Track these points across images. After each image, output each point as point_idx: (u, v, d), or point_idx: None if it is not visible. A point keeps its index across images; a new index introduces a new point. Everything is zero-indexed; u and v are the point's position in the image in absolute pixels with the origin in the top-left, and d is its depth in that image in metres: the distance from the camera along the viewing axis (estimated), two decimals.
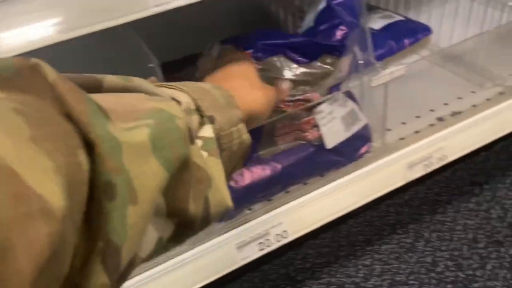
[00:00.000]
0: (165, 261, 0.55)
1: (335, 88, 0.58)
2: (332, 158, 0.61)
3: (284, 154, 0.57)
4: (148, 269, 0.54)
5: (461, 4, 0.87)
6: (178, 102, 0.30)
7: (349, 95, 0.61)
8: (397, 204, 0.83)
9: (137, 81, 0.28)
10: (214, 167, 0.30)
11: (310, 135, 0.57)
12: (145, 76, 0.32)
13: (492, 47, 0.79)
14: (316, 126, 0.57)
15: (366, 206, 0.77)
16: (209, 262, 0.58)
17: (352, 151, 0.63)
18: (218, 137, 0.32)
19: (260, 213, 0.61)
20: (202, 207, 0.28)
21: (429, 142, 0.68)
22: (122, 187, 0.21)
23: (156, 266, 0.55)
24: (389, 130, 0.72)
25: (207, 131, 0.31)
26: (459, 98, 0.76)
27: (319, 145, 0.59)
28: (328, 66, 0.53)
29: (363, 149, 0.63)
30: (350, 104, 0.60)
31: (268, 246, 0.61)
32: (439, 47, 0.87)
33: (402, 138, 0.70)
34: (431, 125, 0.72)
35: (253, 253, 0.60)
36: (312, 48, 0.53)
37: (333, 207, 0.64)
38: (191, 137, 0.28)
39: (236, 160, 0.37)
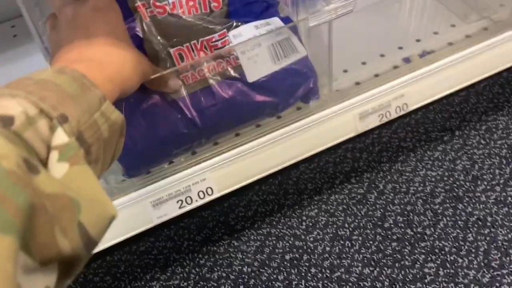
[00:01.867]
0: None
1: None
2: (262, 97, 0.49)
3: (198, 93, 0.47)
4: None
5: None
6: (10, 118, 0.24)
7: (287, 22, 0.50)
8: (356, 149, 0.75)
9: None
10: (80, 176, 0.26)
11: (227, 64, 0.46)
12: None
13: None
14: (233, 54, 0.46)
15: (321, 151, 0.69)
16: (119, 221, 0.52)
17: (287, 90, 0.51)
18: (79, 135, 0.27)
19: (181, 168, 0.54)
20: (77, 236, 0.25)
21: (388, 89, 0.58)
22: None
23: None
24: (345, 71, 0.62)
25: (60, 137, 0.26)
26: (435, 33, 0.65)
27: (241, 79, 0.47)
28: None
29: (302, 89, 0.52)
30: (286, 32, 0.48)
31: (189, 203, 0.55)
32: None
33: (358, 83, 0.60)
34: (395, 67, 0.61)
35: (172, 211, 0.54)
36: None
37: (269, 161, 0.57)
38: (32, 166, 0.23)
39: (114, 143, 0.32)
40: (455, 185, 0.69)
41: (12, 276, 0.20)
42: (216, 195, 0.56)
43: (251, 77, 0.46)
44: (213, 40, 0.45)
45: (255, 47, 0.45)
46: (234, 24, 0.45)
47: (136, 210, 0.53)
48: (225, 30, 0.44)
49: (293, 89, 0.51)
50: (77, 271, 0.26)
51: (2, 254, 0.20)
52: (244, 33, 0.44)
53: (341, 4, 0.45)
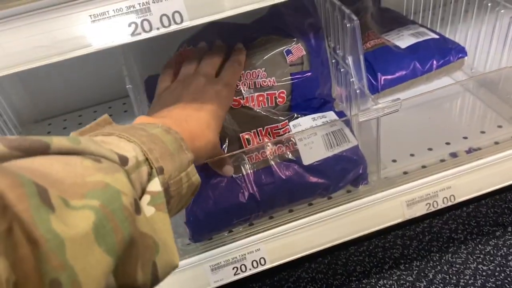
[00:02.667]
0: None
1: (295, 74, 0.54)
2: (315, 179, 0.56)
3: (260, 172, 0.54)
4: None
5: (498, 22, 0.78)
6: (125, 159, 0.30)
7: (341, 116, 0.58)
8: (406, 237, 0.78)
9: (85, 143, 0.28)
10: (161, 222, 0.31)
11: (287, 148, 0.54)
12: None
13: None
14: (291, 140, 0.54)
15: (371, 235, 0.73)
16: (181, 281, 0.59)
17: (339, 174, 0.57)
18: (167, 186, 0.33)
19: (239, 237, 0.60)
20: (150, 273, 0.29)
21: (434, 180, 0.63)
22: (67, 283, 0.21)
23: None
24: (394, 161, 0.68)
25: (155, 185, 0.31)
26: (482, 132, 0.69)
27: (298, 162, 0.54)
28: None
29: (352, 174, 0.59)
30: (339, 124, 0.56)
31: (244, 271, 0.60)
32: (474, 69, 0.79)
33: (405, 172, 0.65)
34: (442, 160, 0.66)
35: (228, 276, 0.60)
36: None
37: (319, 238, 0.62)
38: (137, 207, 0.28)
39: (185, 200, 0.37)
40: (506, 281, 0.69)
41: None
42: (268, 265, 0.61)
43: (307, 161, 0.54)
44: (276, 128, 0.53)
45: (311, 136, 0.52)
46: (295, 115, 0.54)
47: (197, 272, 0.59)
48: (286, 120, 0.53)
49: (343, 173, 0.58)
50: None
51: (101, 269, 0.24)
52: (302, 123, 0.53)
53: (388, 104, 0.52)
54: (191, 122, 0.42)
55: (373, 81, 0.72)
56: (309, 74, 0.54)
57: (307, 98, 0.55)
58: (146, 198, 0.30)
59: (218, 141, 0.46)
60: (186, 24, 0.37)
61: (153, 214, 0.30)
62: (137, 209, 0.28)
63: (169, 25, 0.37)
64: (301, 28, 0.54)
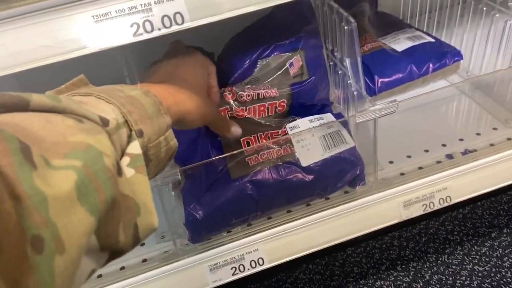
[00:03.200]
0: (133, 276, 0.57)
1: (295, 85, 0.55)
2: (313, 180, 0.56)
3: (259, 173, 0.54)
4: (115, 282, 0.56)
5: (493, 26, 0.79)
6: (106, 121, 0.29)
7: (339, 118, 0.59)
8: (403, 238, 0.78)
9: (65, 101, 0.28)
10: (140, 184, 0.30)
11: (285, 150, 0.54)
12: None
13: None
14: (290, 142, 0.54)
15: (369, 236, 0.74)
16: (180, 280, 0.59)
17: (336, 175, 0.58)
18: (146, 149, 0.32)
19: (237, 237, 0.60)
20: (131, 234, 0.29)
21: (431, 181, 0.63)
22: (49, 239, 0.21)
23: (125, 279, 0.57)
24: (391, 162, 0.68)
25: (135, 147, 0.31)
26: (478, 134, 0.70)
27: (296, 164, 0.55)
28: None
29: (349, 175, 0.59)
30: (336, 126, 0.57)
31: (242, 271, 0.60)
32: (470, 72, 0.80)
33: (402, 173, 0.66)
34: (438, 161, 0.67)
35: (226, 276, 0.60)
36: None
37: (317, 239, 0.62)
38: (119, 169, 0.28)
39: (163, 164, 0.37)
40: (502, 281, 0.69)
41: (82, 249, 0.23)
42: (266, 265, 0.61)
43: (304, 162, 0.54)
44: (275, 134, 0.54)
45: (308, 137, 0.53)
46: (292, 118, 0.54)
47: (195, 272, 0.59)
48: (285, 126, 0.54)
49: (341, 174, 0.58)
50: (112, 261, 0.29)
51: (83, 229, 0.23)
52: (300, 125, 0.53)
53: (384, 105, 0.53)
54: (172, 80, 0.42)
55: (370, 83, 0.72)
56: (308, 82, 0.55)
57: (307, 104, 0.55)
58: (125, 160, 0.30)
59: (205, 100, 0.44)
60: (187, 25, 0.37)
61: (133, 176, 0.30)
62: (119, 171, 0.28)
63: (171, 25, 0.37)
64: (299, 35, 0.55)
